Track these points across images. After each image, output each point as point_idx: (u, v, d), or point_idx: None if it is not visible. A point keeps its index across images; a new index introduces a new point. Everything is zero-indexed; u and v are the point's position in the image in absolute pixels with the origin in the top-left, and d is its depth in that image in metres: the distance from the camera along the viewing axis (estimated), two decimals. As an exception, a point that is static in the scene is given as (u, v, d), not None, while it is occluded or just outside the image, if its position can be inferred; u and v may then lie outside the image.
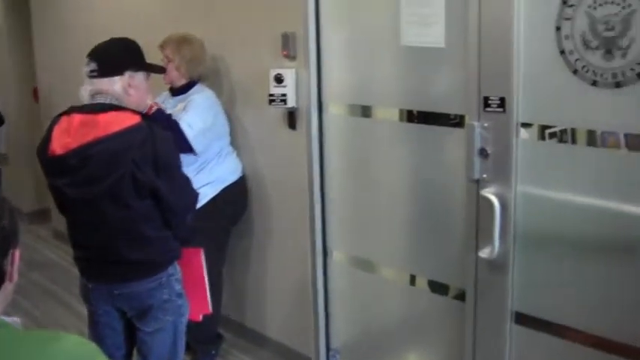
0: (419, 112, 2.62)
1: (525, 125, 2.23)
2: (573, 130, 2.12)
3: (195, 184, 2.59)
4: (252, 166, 3.51)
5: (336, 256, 3.14)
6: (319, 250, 3.14)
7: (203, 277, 2.61)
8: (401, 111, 2.69)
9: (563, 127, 2.14)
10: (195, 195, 2.52)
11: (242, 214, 3.58)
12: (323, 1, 2.91)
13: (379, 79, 2.78)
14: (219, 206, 3.35)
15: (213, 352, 3.61)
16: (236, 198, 3.50)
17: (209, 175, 3.31)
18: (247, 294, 3.78)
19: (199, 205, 2.74)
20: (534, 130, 2.21)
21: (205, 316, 2.73)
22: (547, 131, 2.18)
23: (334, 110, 3.00)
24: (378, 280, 3.00)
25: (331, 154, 3.04)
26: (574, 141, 2.13)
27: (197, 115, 3.18)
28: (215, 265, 3.21)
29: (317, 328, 3.22)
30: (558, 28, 2.11)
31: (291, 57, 3.10)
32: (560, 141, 2.16)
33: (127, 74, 2.40)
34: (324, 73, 2.98)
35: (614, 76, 2.01)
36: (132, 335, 2.57)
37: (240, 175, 3.49)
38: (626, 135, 2.00)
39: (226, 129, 3.44)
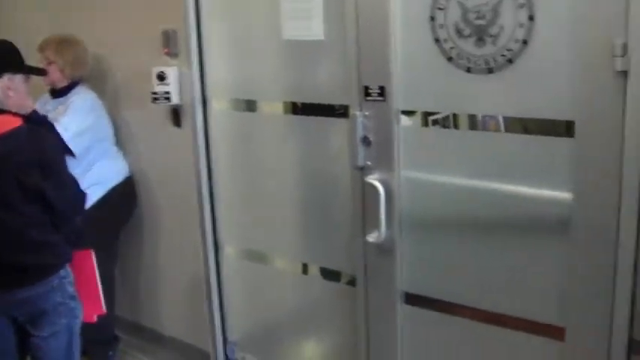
0: (303, 104, 2.68)
1: (409, 113, 2.32)
2: (455, 116, 2.22)
3: (83, 186, 2.56)
4: (140, 165, 3.49)
5: (228, 249, 3.17)
6: (210, 244, 3.15)
7: (95, 278, 2.59)
8: (285, 104, 2.74)
9: (446, 114, 2.23)
10: (82, 196, 2.50)
11: (131, 214, 3.55)
12: (203, -4, 2.92)
13: (262, 74, 2.81)
14: (107, 207, 3.31)
15: (111, 353, 3.56)
16: (124, 198, 3.47)
17: (95, 176, 3.26)
18: (141, 293, 3.75)
19: (87, 206, 2.71)
20: (417, 117, 2.30)
21: (100, 318, 2.71)
22: (430, 118, 2.28)
23: (219, 106, 3.01)
24: (272, 271, 3.04)
25: (218, 150, 3.06)
26: (456, 126, 2.23)
27: (74, 118, 3.14)
28: (107, 266, 3.17)
29: (213, 323, 3.24)
30: (433, 18, 2.20)
31: (172, 54, 3.10)
32: (444, 127, 2.26)
33: (6, 77, 2.36)
34: (207, 69, 2.99)
35: (487, 62, 2.12)
36: (23, 342, 2.52)
37: (128, 174, 3.46)
38: (505, 118, 2.12)
39: (110, 130, 3.40)
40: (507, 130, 2.13)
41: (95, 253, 2.59)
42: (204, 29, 2.96)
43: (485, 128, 2.17)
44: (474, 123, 2.19)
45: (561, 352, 2.16)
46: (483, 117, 2.17)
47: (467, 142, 2.23)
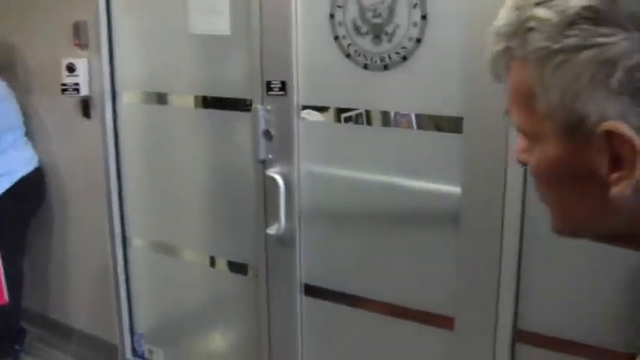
0: (212, 98, 2.70)
1: (322, 109, 2.37)
2: (368, 113, 2.28)
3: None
4: (49, 156, 3.46)
5: (137, 242, 3.17)
6: (118, 236, 3.15)
7: (-1, 271, 2.57)
8: (196, 97, 2.76)
9: (360, 111, 2.29)
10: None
11: (40, 205, 3.52)
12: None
13: (173, 67, 2.83)
14: (15, 197, 3.28)
15: (17, 347, 3.52)
16: (33, 188, 3.44)
17: (3, 166, 3.23)
18: (50, 285, 3.72)
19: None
20: (330, 113, 2.35)
21: (4, 310, 2.68)
22: (343, 115, 2.33)
23: (129, 98, 3.01)
24: (180, 264, 3.06)
25: (127, 142, 3.06)
26: (369, 123, 2.28)
27: None
28: (14, 257, 3.14)
29: (120, 315, 3.23)
30: (332, 16, 2.26)
31: (83, 46, 3.09)
32: (356, 123, 2.31)
33: None
34: (117, 61, 2.99)
35: (382, 59, 2.18)
36: None
37: (37, 165, 3.43)
38: (396, 114, 2.19)
39: (19, 120, 3.36)
40: (399, 125, 2.20)
41: (2, 243, 2.57)
42: (114, 21, 2.96)
43: (388, 124, 2.24)
44: (386, 120, 2.25)
45: (451, 342, 2.24)
46: (383, 113, 2.23)
47: (371, 138, 2.29)
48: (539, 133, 0.76)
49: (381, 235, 2.35)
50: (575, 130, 0.71)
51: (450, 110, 2.09)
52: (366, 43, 2.20)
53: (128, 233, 3.17)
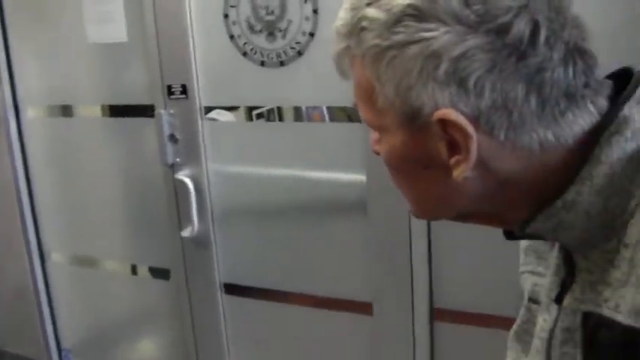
0: (116, 107, 2.68)
1: (231, 108, 2.38)
2: (279, 109, 2.30)
3: None
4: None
5: (56, 256, 3.13)
6: (35, 253, 3.10)
7: None
8: (102, 106, 2.74)
9: (270, 107, 2.31)
10: None
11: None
12: (6, 2, 2.86)
13: (75, 78, 2.79)
14: None
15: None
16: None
17: None
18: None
19: None
20: (241, 112, 2.37)
21: None
22: (254, 112, 2.35)
23: (34, 113, 2.97)
24: (101, 275, 3.03)
25: (36, 157, 3.01)
26: (281, 119, 2.31)
27: None
28: None
29: (44, 332, 3.19)
30: (226, 16, 2.27)
31: (-20, 63, 3.02)
32: (268, 120, 2.33)
33: None
34: (18, 76, 2.93)
35: (278, 55, 2.21)
36: None
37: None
38: (307, 108, 2.23)
39: None
40: (311, 119, 2.23)
41: None
42: (10, 35, 2.90)
43: (300, 119, 2.27)
44: (298, 114, 2.28)
45: (371, 326, 2.29)
46: (295, 108, 2.26)
47: (283, 134, 2.32)
48: (383, 125, 0.80)
49: (296, 229, 2.39)
50: (413, 121, 0.76)
51: (351, 101, 2.12)
52: (261, 40, 2.23)
53: (46, 248, 3.13)
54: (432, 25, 0.71)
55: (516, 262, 1.04)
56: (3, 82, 2.91)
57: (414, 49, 0.72)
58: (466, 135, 0.72)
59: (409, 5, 0.72)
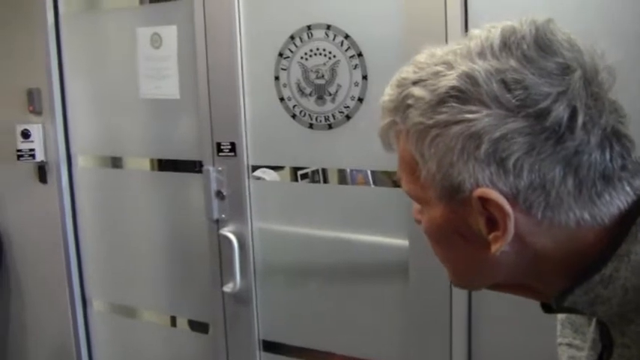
0: (165, 161, 2.75)
1: (277, 168, 2.43)
2: (324, 171, 2.34)
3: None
4: (6, 222, 3.45)
5: (97, 305, 3.17)
6: (78, 299, 3.15)
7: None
8: (151, 160, 2.81)
9: (315, 168, 2.35)
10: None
11: (-3, 271, 3.51)
12: (66, 56, 2.96)
13: (126, 131, 2.87)
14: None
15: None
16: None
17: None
18: (8, 351, 3.68)
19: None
20: (286, 172, 2.41)
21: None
22: (299, 172, 2.39)
23: (84, 162, 3.05)
24: (141, 326, 3.07)
25: (84, 205, 3.08)
26: (326, 180, 2.35)
27: None
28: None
29: (82, 380, 3.23)
30: (277, 78, 2.33)
31: (37, 112, 3.12)
32: (313, 181, 2.38)
33: None
34: (72, 126, 3.02)
35: (327, 118, 2.25)
36: None
37: (-7, 231, 3.43)
38: (352, 171, 2.26)
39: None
40: (355, 182, 2.27)
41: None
42: (67, 87, 3.00)
43: (345, 182, 2.31)
44: (342, 177, 2.32)
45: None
46: (340, 170, 2.30)
47: (326, 195, 2.35)
48: (425, 197, 0.84)
49: (336, 289, 2.40)
50: (454, 196, 0.79)
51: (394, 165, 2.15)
52: (310, 103, 2.27)
53: (88, 296, 3.17)
54: (474, 108, 0.75)
55: (555, 332, 1.05)
56: (58, 130, 3.00)
57: (456, 129, 0.75)
58: (504, 213, 0.75)
59: (453, 87, 0.76)
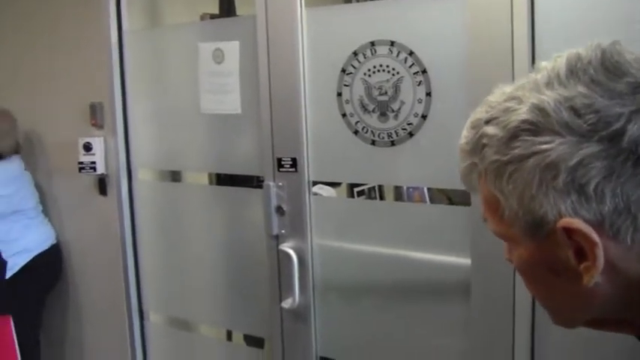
0: (224, 175, 2.78)
1: (334, 184, 2.43)
2: (380, 188, 2.34)
3: (5, 253, 2.59)
4: (67, 233, 3.51)
5: (154, 317, 3.20)
6: (135, 312, 3.18)
7: (13, 345, 2.61)
8: (209, 175, 2.83)
9: (372, 186, 2.35)
10: (2, 264, 2.53)
11: (57, 281, 3.55)
12: (128, 72, 3.01)
13: (186, 146, 2.90)
14: (31, 274, 3.32)
15: None
16: (49, 266, 3.47)
17: (19, 245, 3.29)
18: (67, 363, 3.74)
19: (10, 273, 2.73)
20: (343, 188, 2.41)
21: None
22: (355, 189, 2.39)
23: (144, 176, 3.09)
24: (196, 339, 3.08)
25: (143, 218, 3.12)
26: (382, 197, 2.35)
27: None
28: (30, 333, 3.18)
29: (138, 391, 3.25)
30: (339, 94, 2.33)
31: (99, 126, 3.17)
32: (369, 197, 2.37)
33: None
34: (132, 140, 3.07)
35: (389, 135, 2.24)
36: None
37: (53, 242, 3.47)
38: (408, 188, 2.25)
39: (32, 201, 3.42)
40: (411, 199, 2.25)
41: (17, 320, 2.61)
42: (129, 102, 3.05)
43: (401, 198, 2.29)
44: (399, 194, 2.31)
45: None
46: (396, 187, 2.29)
47: (384, 212, 2.34)
48: (511, 235, 0.83)
49: (395, 307, 2.38)
50: (539, 230, 0.78)
51: (455, 183, 2.12)
52: (372, 120, 2.26)
53: (145, 308, 3.20)
54: (546, 138, 0.74)
55: (616, 357, 1.02)
56: (119, 143, 3.05)
57: (532, 162, 0.75)
58: (591, 242, 0.74)
59: (524, 121, 0.76)
